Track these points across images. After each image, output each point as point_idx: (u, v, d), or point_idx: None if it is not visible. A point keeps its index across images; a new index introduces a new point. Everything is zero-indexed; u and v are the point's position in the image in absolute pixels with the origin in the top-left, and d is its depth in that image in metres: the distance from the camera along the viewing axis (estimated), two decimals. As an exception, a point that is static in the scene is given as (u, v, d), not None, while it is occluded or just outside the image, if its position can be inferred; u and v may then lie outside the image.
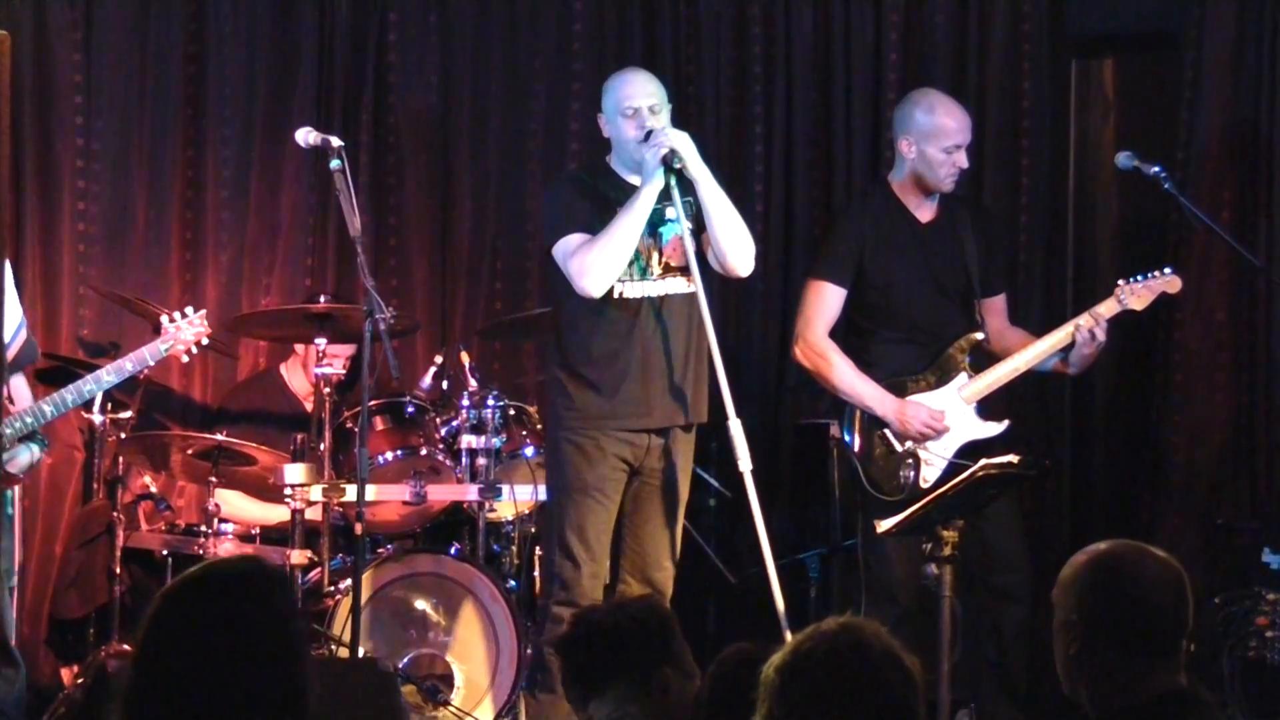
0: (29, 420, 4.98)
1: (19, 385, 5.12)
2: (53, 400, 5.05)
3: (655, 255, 5.13)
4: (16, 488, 5.11)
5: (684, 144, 5.02)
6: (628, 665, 3.43)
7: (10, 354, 5.04)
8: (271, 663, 2.61)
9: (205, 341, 5.51)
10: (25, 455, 5.01)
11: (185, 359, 5.54)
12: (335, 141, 5.11)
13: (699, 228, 5.14)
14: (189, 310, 5.38)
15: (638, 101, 5.14)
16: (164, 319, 5.37)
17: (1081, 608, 2.93)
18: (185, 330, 5.35)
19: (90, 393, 5.14)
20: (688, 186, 5.07)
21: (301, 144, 5.29)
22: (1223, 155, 6.31)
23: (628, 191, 5.11)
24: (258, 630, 2.62)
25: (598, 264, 5.01)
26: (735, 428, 4.95)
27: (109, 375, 5.15)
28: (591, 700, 3.48)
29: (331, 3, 6.65)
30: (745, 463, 4.95)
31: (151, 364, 5.35)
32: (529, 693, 5.29)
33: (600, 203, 5.12)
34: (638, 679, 3.43)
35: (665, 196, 5.06)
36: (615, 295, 5.09)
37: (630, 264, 5.08)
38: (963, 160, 5.51)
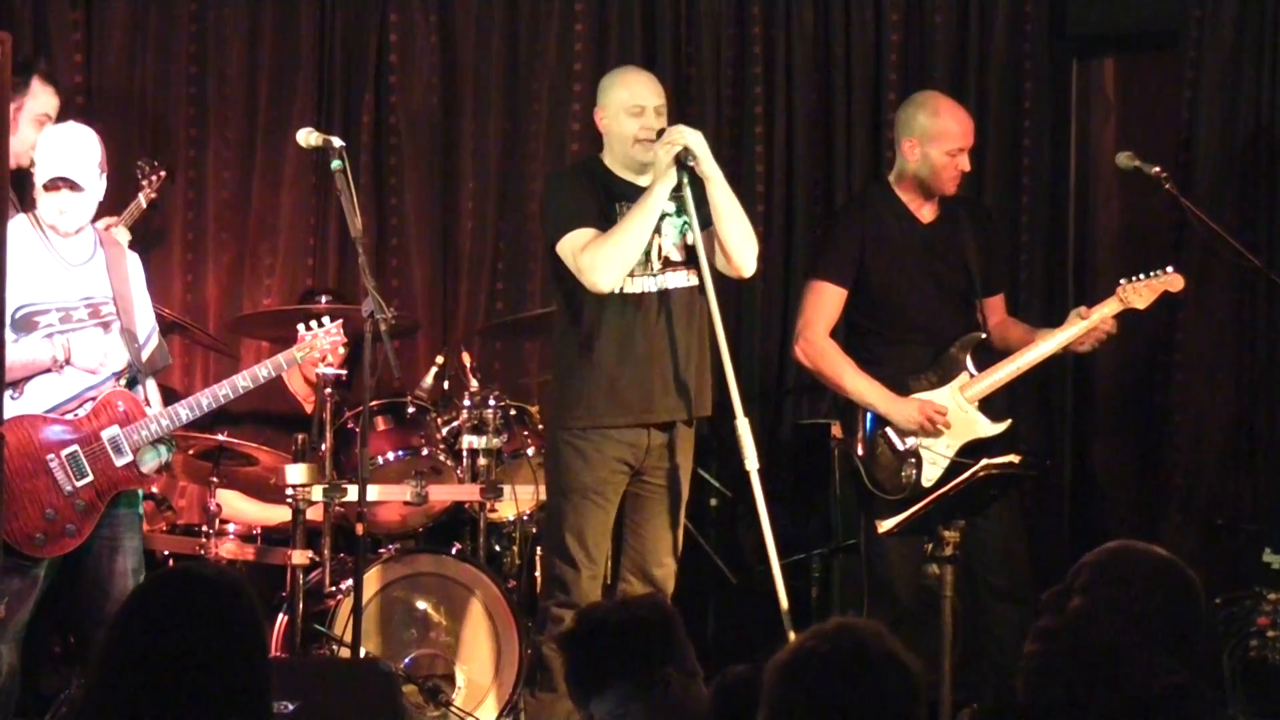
0: (164, 423, 5.01)
1: (153, 389, 5.16)
2: (189, 404, 5.07)
3: (656, 249, 5.14)
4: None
5: (697, 142, 5.04)
6: (630, 663, 3.44)
7: (144, 355, 5.11)
8: (238, 664, 2.63)
9: (343, 351, 5.44)
10: (154, 457, 5.05)
11: (322, 368, 5.49)
12: (336, 142, 5.11)
13: (704, 225, 5.15)
14: (325, 320, 5.34)
15: (645, 101, 5.16)
16: (300, 326, 5.34)
17: (1124, 596, 2.91)
18: (321, 339, 5.32)
19: (226, 397, 5.13)
20: (697, 185, 5.09)
21: (302, 144, 5.29)
22: (1223, 155, 6.31)
23: (625, 187, 5.13)
24: (228, 630, 2.64)
25: (609, 260, 5.02)
26: (742, 427, 4.97)
27: (245, 381, 5.13)
28: (593, 697, 3.48)
29: (331, 3, 6.66)
30: (752, 462, 4.96)
31: (286, 369, 5.31)
32: (529, 692, 5.30)
33: (602, 198, 5.14)
34: (640, 677, 3.43)
35: (674, 193, 5.08)
36: (618, 290, 5.10)
37: None
38: (965, 163, 5.52)
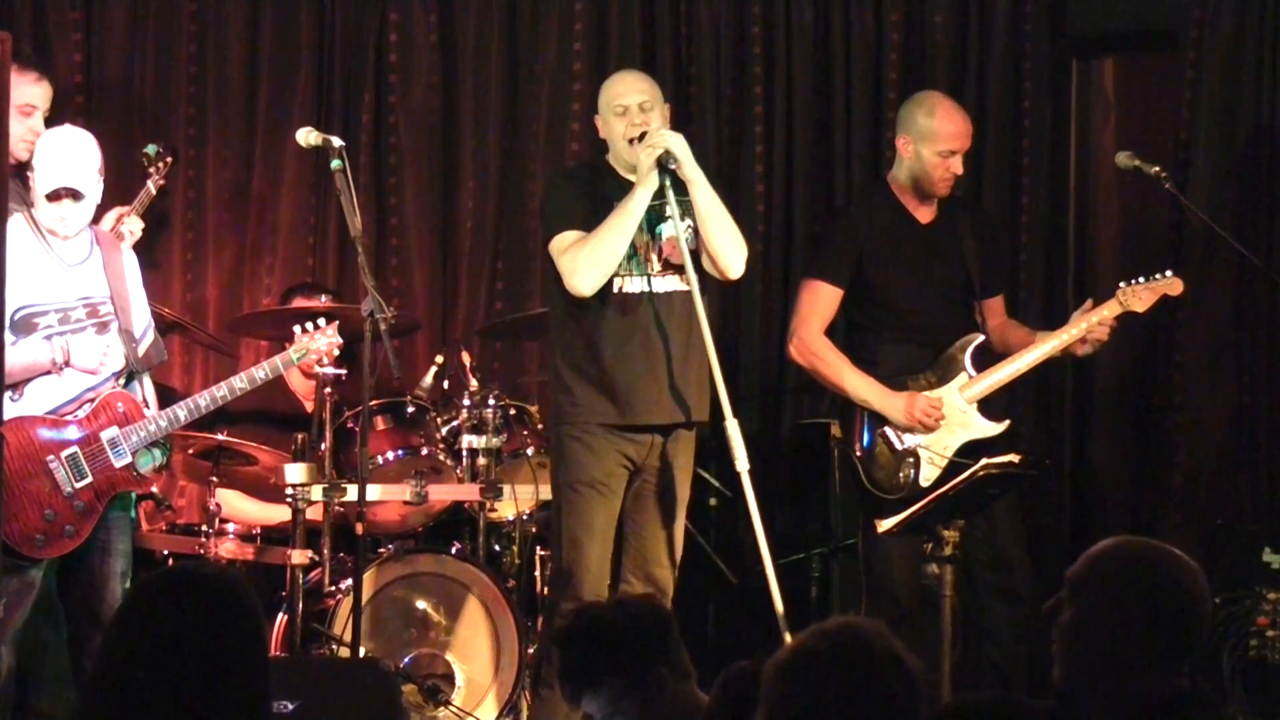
0: (163, 424, 5.02)
1: (148, 386, 5.17)
2: (186, 405, 5.08)
3: (654, 253, 5.15)
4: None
5: (679, 145, 5.04)
6: (624, 662, 3.44)
7: (140, 351, 5.11)
8: (237, 663, 2.63)
9: (337, 353, 5.45)
10: (148, 461, 5.05)
11: (318, 369, 5.50)
12: (336, 141, 5.12)
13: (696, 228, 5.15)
14: (321, 321, 5.35)
15: (627, 99, 5.18)
16: (296, 328, 5.35)
17: (1106, 604, 2.82)
18: (318, 339, 5.33)
19: (223, 398, 5.14)
20: (683, 188, 5.09)
21: (302, 144, 5.30)
22: (1223, 155, 6.31)
23: (627, 189, 5.13)
24: (228, 630, 2.64)
25: (587, 263, 5.03)
26: (732, 428, 4.96)
27: (241, 383, 5.14)
28: (585, 694, 3.49)
29: (331, 3, 6.66)
30: (742, 463, 4.96)
31: (283, 371, 5.31)
32: (534, 688, 5.30)
33: (599, 200, 5.15)
34: (633, 676, 3.44)
35: (660, 197, 5.08)
36: (615, 290, 5.11)
37: (629, 260, 5.10)
38: (957, 166, 5.52)
